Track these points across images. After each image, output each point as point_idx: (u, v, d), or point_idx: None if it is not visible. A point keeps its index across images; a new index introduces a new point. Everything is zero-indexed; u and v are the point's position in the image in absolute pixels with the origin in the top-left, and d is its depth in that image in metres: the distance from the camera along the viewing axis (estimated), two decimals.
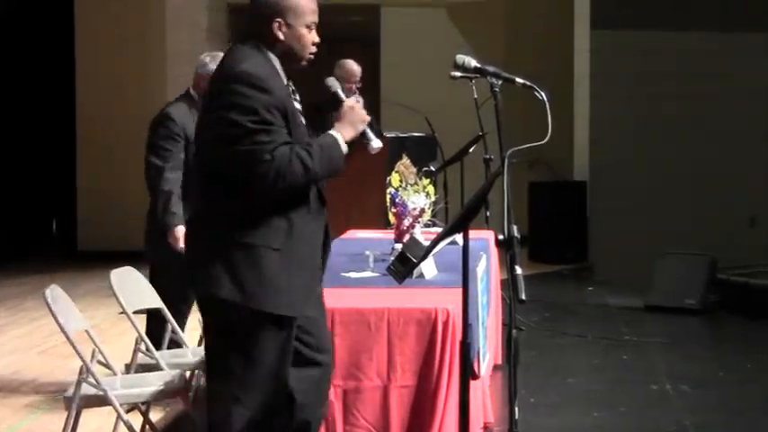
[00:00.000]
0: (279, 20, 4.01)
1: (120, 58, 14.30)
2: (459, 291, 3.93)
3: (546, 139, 3.88)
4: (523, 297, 3.51)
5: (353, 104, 4.14)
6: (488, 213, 8.28)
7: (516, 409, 3.73)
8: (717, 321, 10.16)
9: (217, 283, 3.90)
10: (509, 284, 3.60)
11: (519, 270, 3.55)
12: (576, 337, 9.05)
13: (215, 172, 3.95)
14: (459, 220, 3.84)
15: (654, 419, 6.58)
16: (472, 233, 3.90)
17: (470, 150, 8.80)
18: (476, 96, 8.53)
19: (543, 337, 9.04)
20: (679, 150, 14.35)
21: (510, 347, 3.73)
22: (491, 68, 3.96)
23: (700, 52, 14.30)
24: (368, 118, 4.15)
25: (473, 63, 4.04)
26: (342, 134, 4.05)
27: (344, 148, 4.04)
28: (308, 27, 4.05)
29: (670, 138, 14.34)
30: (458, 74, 4.51)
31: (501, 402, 6.27)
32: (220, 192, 3.95)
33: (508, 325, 3.82)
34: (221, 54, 6.71)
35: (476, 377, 4.53)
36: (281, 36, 4.02)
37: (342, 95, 4.24)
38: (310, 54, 4.09)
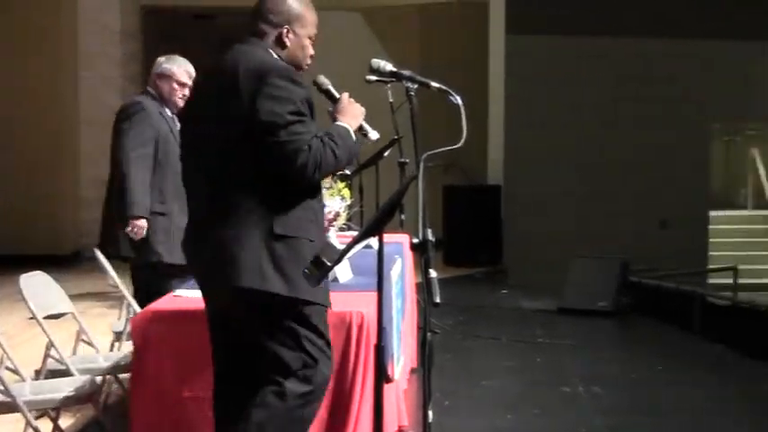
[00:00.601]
0: (287, 27, 4.24)
1: (31, 59, 14.11)
2: (374, 294, 3.92)
3: (461, 143, 3.89)
4: (438, 300, 3.51)
5: (350, 98, 4.34)
6: (403, 217, 8.28)
7: (430, 412, 3.72)
8: (629, 323, 10.27)
9: (263, 277, 3.98)
10: (424, 288, 3.60)
11: (433, 273, 3.55)
12: (490, 339, 9.09)
13: (246, 166, 4.01)
14: (373, 223, 3.83)
15: (566, 421, 6.62)
16: (387, 237, 3.89)
17: (386, 154, 8.78)
18: (391, 100, 8.53)
19: (457, 339, 9.07)
20: (592, 154, 14.51)
21: (424, 350, 3.73)
22: (406, 72, 3.96)
23: (615, 57, 14.47)
24: (364, 110, 4.33)
25: (388, 67, 4.04)
26: (350, 125, 4.24)
27: (354, 137, 4.22)
28: (310, 38, 4.32)
29: (584, 142, 14.48)
30: (373, 78, 4.50)
31: (415, 405, 6.27)
32: (256, 187, 4.02)
33: (423, 328, 3.81)
34: (177, 56, 6.77)
35: (390, 380, 4.52)
36: (288, 43, 4.25)
37: (334, 91, 4.40)
38: (307, 63, 4.33)
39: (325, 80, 4.47)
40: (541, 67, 14.27)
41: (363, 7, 14.94)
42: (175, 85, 6.63)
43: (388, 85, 7.64)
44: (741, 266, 15.96)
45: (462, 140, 3.89)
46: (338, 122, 4.22)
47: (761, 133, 21.70)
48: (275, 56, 4.20)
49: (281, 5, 4.27)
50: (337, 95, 4.39)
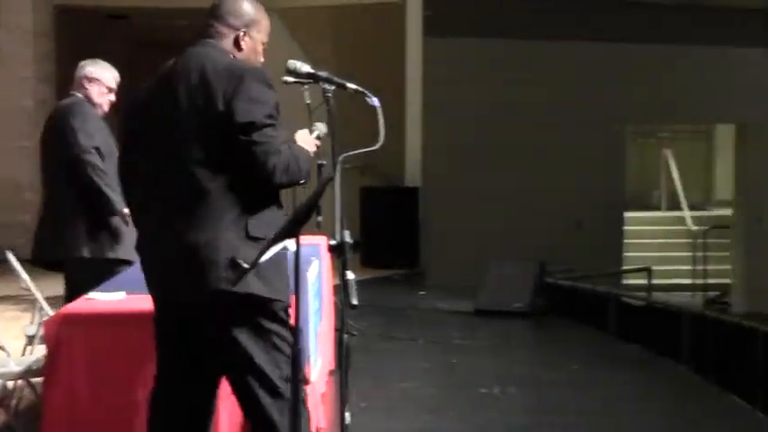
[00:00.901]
0: (244, 30, 4.28)
1: None
2: (291, 296, 3.93)
3: (378, 145, 3.89)
4: (355, 302, 3.51)
5: (313, 139, 4.37)
6: (320, 219, 8.24)
7: (347, 414, 3.72)
8: (545, 324, 10.34)
9: (244, 280, 3.93)
10: (341, 289, 3.60)
11: (351, 275, 3.55)
12: (408, 341, 9.11)
13: (219, 168, 3.98)
14: (290, 225, 3.82)
15: (483, 422, 6.65)
16: (304, 239, 3.88)
17: None
18: (308, 101, 8.51)
19: (375, 341, 9.07)
20: (509, 156, 14.60)
21: (341, 352, 3.73)
22: (323, 74, 3.95)
23: (532, 60, 14.57)
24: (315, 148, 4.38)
25: (305, 68, 4.02)
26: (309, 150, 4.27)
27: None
28: (263, 44, 4.36)
29: (500, 144, 14.57)
30: (290, 79, 4.47)
31: (333, 407, 6.26)
32: (226, 188, 4.00)
33: (340, 330, 3.81)
34: (101, 61, 6.76)
35: (307, 382, 4.50)
36: (244, 46, 4.28)
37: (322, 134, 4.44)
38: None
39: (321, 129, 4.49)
40: (458, 70, 14.32)
41: (280, 8, 14.88)
42: (104, 89, 6.63)
43: (305, 87, 7.61)
44: (655, 267, 16.18)
45: (380, 142, 3.89)
46: (299, 144, 4.23)
47: (674, 135, 22.02)
48: (229, 55, 4.22)
49: (240, 9, 4.31)
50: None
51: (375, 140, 3.87)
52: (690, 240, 18.59)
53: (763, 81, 16.55)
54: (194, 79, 4.06)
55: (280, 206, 4.16)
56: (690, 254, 18.37)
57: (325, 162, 8.66)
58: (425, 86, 13.98)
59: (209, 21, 4.30)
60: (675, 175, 20.62)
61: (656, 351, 9.33)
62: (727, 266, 17.36)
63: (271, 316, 4.05)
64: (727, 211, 18.40)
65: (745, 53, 16.40)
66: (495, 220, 14.23)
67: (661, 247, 18.91)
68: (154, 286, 4.20)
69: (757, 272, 16.57)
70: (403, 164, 14.09)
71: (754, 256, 16.68)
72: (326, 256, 7.19)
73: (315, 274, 6.32)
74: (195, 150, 4.02)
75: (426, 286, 12.44)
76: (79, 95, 6.69)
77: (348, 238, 3.62)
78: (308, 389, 5.26)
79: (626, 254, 16.14)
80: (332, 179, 3.75)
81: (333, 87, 3.95)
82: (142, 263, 4.22)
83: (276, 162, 3.96)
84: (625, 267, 15.96)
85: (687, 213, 19.62)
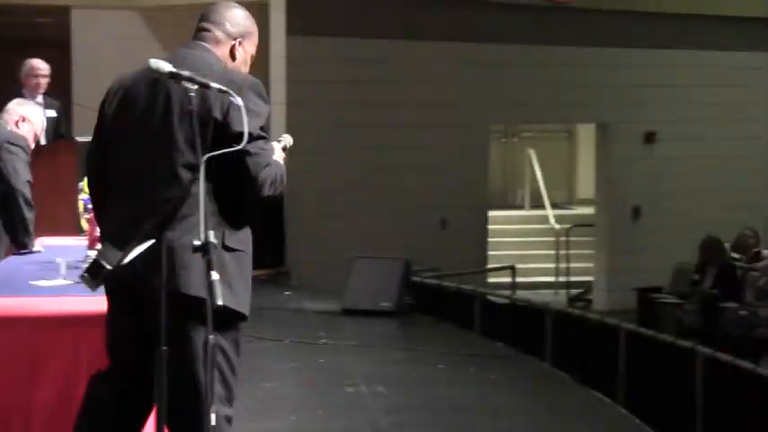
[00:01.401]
0: (240, 40, 4.27)
1: None
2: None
3: (242, 145, 3.87)
4: (220, 302, 3.50)
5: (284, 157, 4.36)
6: None
7: (212, 414, 3.69)
8: (411, 323, 10.40)
9: (215, 290, 3.74)
10: (206, 290, 3.57)
11: (215, 275, 3.53)
12: (273, 341, 9.07)
13: (206, 173, 3.81)
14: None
15: (350, 421, 6.67)
16: None
17: None
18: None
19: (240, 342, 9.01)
20: (375, 155, 14.64)
21: (206, 353, 3.70)
22: (186, 73, 3.91)
23: (398, 60, 14.62)
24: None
25: (168, 67, 3.97)
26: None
27: None
28: (252, 56, 4.37)
29: (366, 143, 14.60)
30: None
31: None
32: (210, 196, 3.93)
33: (205, 330, 3.77)
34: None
35: None
36: (237, 56, 4.28)
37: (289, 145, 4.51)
38: None
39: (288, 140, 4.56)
40: (323, 69, 14.31)
41: (141, 6, 14.73)
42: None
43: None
44: (519, 265, 16.38)
45: (244, 142, 3.88)
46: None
47: (538, 135, 22.30)
48: (218, 63, 4.19)
49: (239, 18, 4.30)
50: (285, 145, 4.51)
51: (239, 140, 3.86)
52: (553, 239, 18.87)
53: (622, 81, 16.89)
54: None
55: (254, 219, 4.17)
56: (553, 252, 18.64)
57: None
58: (289, 86, 13.94)
59: (205, 24, 4.26)
60: (538, 174, 20.89)
61: (520, 348, 9.45)
62: (590, 264, 17.67)
63: (226, 329, 4.07)
64: (589, 210, 18.72)
65: (605, 53, 16.72)
66: (361, 219, 14.26)
67: (525, 246, 19.14)
68: (121, 277, 4.02)
69: (618, 270, 16.90)
70: None
71: (614, 254, 17.02)
72: None
73: None
74: (184, 154, 3.99)
75: (292, 286, 12.42)
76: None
77: (212, 239, 3.60)
78: None
79: (490, 252, 16.30)
80: (196, 179, 3.72)
81: (195, 87, 3.91)
82: (113, 247, 4.06)
83: (266, 176, 4.00)
84: (490, 266, 16.12)
85: (550, 212, 19.90)
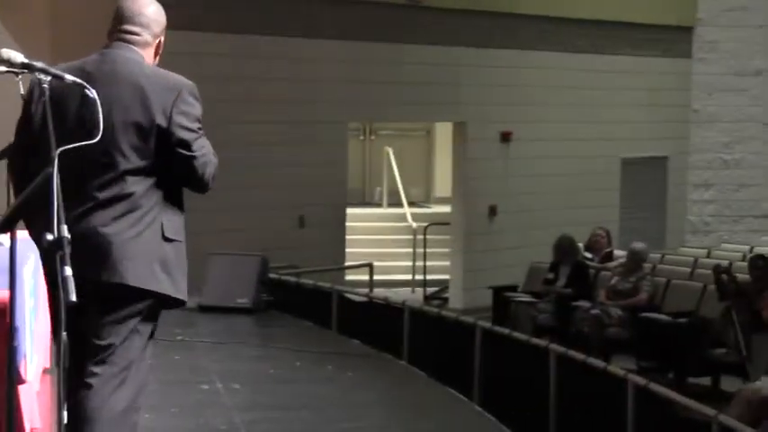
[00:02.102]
0: (161, 38, 4.46)
1: None
2: (6, 293, 3.80)
3: (97, 138, 3.82)
4: (73, 298, 3.43)
5: None
6: None
7: (65, 413, 3.63)
8: (268, 320, 10.37)
9: (156, 279, 4.19)
10: (59, 286, 3.50)
11: (68, 271, 3.46)
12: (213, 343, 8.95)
13: (146, 173, 4.18)
14: (5, 221, 3.70)
15: (205, 419, 6.62)
16: (20, 234, 3.76)
17: None
18: (22, 92, 8.26)
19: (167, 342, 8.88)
20: (233, 151, 14.52)
21: (59, 351, 3.63)
22: (39, 64, 3.82)
23: (262, 56, 14.52)
24: None
25: (20, 58, 3.88)
26: None
27: None
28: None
29: (226, 139, 14.47)
30: (3, 68, 4.33)
31: (49, 407, 6.09)
32: (149, 190, 4.21)
33: (58, 328, 3.70)
34: None
35: (22, 381, 4.37)
36: (160, 50, 4.47)
37: None
38: None
39: None
40: (190, 64, 14.13)
41: None
42: None
43: (19, 77, 7.40)
44: (377, 263, 16.44)
45: (99, 135, 3.82)
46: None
47: (396, 133, 22.43)
48: (149, 65, 4.36)
49: (160, 17, 4.44)
50: None
51: (94, 134, 3.80)
52: (410, 237, 18.99)
53: (479, 80, 17.08)
54: (126, 85, 4.22)
55: (183, 208, 4.40)
56: (410, 250, 18.75)
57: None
58: None
59: (130, 27, 4.36)
60: (396, 172, 21.01)
61: (377, 346, 9.49)
62: (446, 263, 17.82)
63: (157, 317, 4.34)
64: (446, 209, 18.89)
65: (463, 52, 16.88)
66: (218, 215, 14.14)
67: (382, 244, 19.22)
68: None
69: (474, 268, 17.08)
70: None
71: (470, 253, 17.19)
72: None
73: (31, 270, 6.14)
74: (126, 154, 4.18)
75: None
76: None
77: (65, 234, 3.53)
78: (24, 388, 5.10)
79: (348, 250, 16.33)
80: (50, 174, 3.65)
81: (49, 78, 3.84)
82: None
83: (211, 171, 4.30)
84: (347, 263, 16.15)
85: (407, 210, 20.02)
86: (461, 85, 16.90)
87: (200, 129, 4.29)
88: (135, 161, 4.19)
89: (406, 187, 20.79)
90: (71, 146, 3.76)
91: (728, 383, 11.74)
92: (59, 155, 3.89)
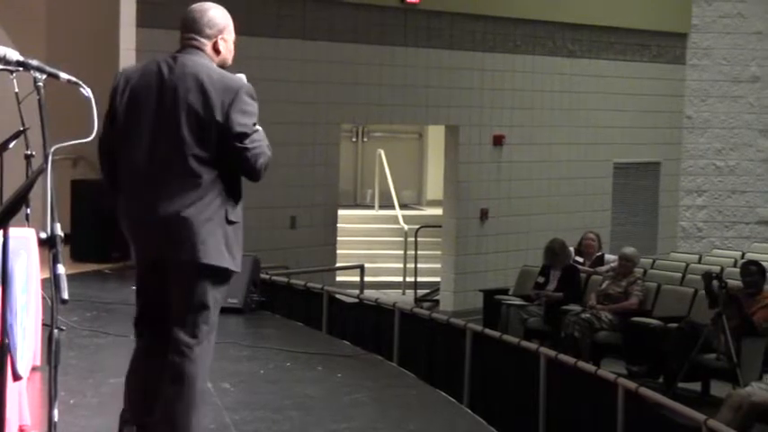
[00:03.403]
0: (220, 36, 5.13)
1: None
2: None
3: (92, 137, 3.83)
4: (66, 297, 3.44)
5: None
6: (29, 211, 8.01)
7: (56, 410, 3.63)
8: (259, 320, 10.36)
9: (222, 257, 4.94)
10: (50, 284, 3.50)
11: (61, 269, 3.47)
12: (119, 337, 8.93)
13: (212, 165, 4.89)
14: None
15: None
16: (12, 231, 3.76)
17: (10, 146, 8.50)
18: (17, 90, 8.25)
19: (84, 336, 8.88)
20: None
21: (51, 348, 3.64)
22: (34, 62, 3.83)
23: (251, 57, 14.47)
24: None
25: (15, 56, 3.89)
26: None
27: None
28: (234, 41, 5.23)
29: None
30: None
31: (39, 404, 6.10)
32: (217, 180, 4.91)
33: (48, 325, 3.71)
34: None
35: (18, 378, 4.39)
36: (221, 49, 5.14)
37: None
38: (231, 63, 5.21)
39: None
40: None
41: None
42: None
43: (13, 75, 7.41)
44: (368, 265, 16.44)
45: (93, 134, 3.83)
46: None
47: (388, 135, 22.44)
48: (213, 61, 5.06)
49: (213, 19, 5.12)
50: None
51: (87, 132, 3.80)
52: (401, 239, 18.99)
53: (472, 84, 17.09)
54: (191, 85, 4.91)
55: (242, 194, 5.05)
56: (401, 252, 18.76)
57: (34, 153, 8.44)
58: None
59: (188, 34, 5.08)
60: (388, 174, 21.01)
61: (367, 347, 9.49)
62: (437, 265, 17.83)
63: (225, 288, 5.07)
64: (438, 211, 18.89)
65: (456, 56, 16.89)
66: None
67: (373, 246, 19.24)
68: (143, 248, 5.16)
69: (465, 271, 17.09)
70: None
71: (462, 256, 17.20)
72: (35, 250, 7.00)
73: (23, 268, 6.14)
74: (192, 146, 4.87)
75: None
76: None
77: (59, 231, 3.53)
78: (15, 385, 5.11)
79: (339, 251, 16.33)
80: (43, 171, 3.67)
81: (44, 76, 3.86)
82: (130, 228, 5.17)
83: (263, 162, 4.95)
84: (338, 265, 16.15)
85: (399, 212, 20.03)
86: (454, 88, 16.91)
87: (255, 124, 4.93)
88: (200, 153, 4.86)
89: (397, 189, 20.79)
90: (66, 143, 3.82)
91: (718, 389, 11.76)
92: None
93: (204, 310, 5.00)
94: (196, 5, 5.16)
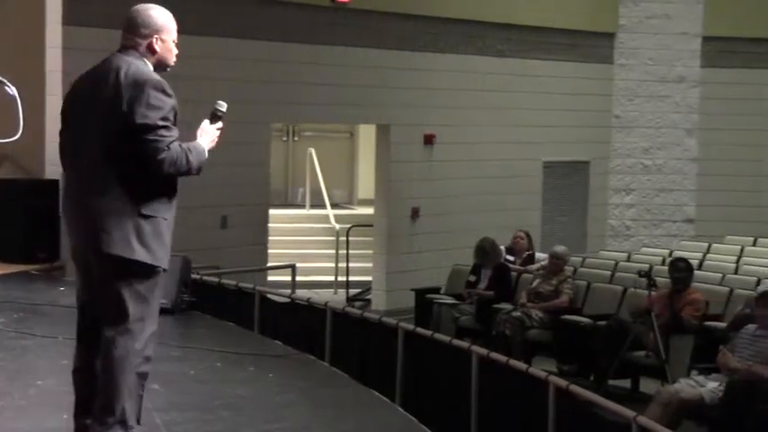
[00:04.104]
0: (156, 36, 5.26)
1: None
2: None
3: (18, 136, 3.77)
4: None
5: (215, 129, 5.54)
6: None
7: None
8: (189, 321, 10.30)
9: (129, 248, 5.06)
10: None
11: None
12: (46, 338, 8.83)
13: (123, 158, 5.02)
14: None
15: None
16: None
17: None
18: None
19: (11, 338, 8.76)
20: None
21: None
22: None
23: (202, 57, 14.39)
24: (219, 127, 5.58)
25: None
26: (205, 146, 5.39)
27: (206, 154, 5.35)
28: (174, 42, 5.34)
29: None
30: None
31: None
32: (129, 174, 5.03)
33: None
34: None
35: None
36: (157, 49, 5.27)
37: (221, 112, 5.62)
38: (173, 62, 5.37)
39: (223, 105, 5.62)
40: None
41: None
42: None
43: None
44: (299, 264, 16.38)
45: (19, 133, 3.77)
46: (199, 140, 5.35)
47: (319, 134, 22.42)
48: (147, 62, 5.22)
49: (148, 19, 5.28)
50: (220, 119, 5.63)
51: (13, 131, 3.74)
52: (333, 238, 18.97)
53: (402, 83, 17.10)
54: (111, 80, 5.09)
55: (172, 191, 5.19)
56: (333, 251, 18.73)
57: None
58: (65, 77, 13.54)
59: (125, 34, 5.27)
60: (319, 173, 20.98)
61: (299, 347, 9.45)
62: (369, 264, 17.82)
63: (148, 282, 5.18)
64: (369, 210, 18.89)
65: (387, 55, 16.89)
66: None
67: (305, 245, 19.20)
68: (71, 241, 5.32)
69: (397, 270, 17.10)
70: (42, 155, 13.63)
71: (393, 255, 17.21)
72: None
73: None
74: (106, 140, 5.05)
75: (67, 282, 12.10)
76: None
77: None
78: None
79: (271, 251, 16.26)
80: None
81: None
82: (64, 215, 5.34)
83: (165, 156, 5.00)
84: (270, 264, 16.08)
85: (330, 212, 20.00)
86: (385, 87, 16.91)
87: (162, 119, 5.02)
88: (113, 147, 5.02)
89: (329, 189, 20.78)
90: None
91: (648, 386, 11.86)
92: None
93: (119, 301, 5.12)
94: (139, 6, 5.35)
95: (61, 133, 5.35)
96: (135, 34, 5.27)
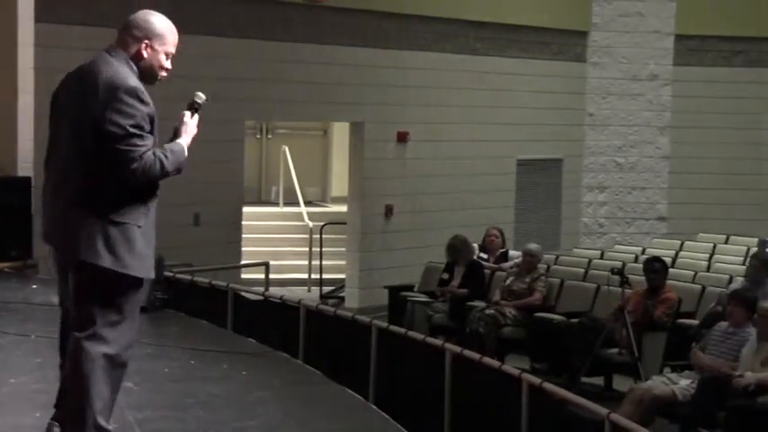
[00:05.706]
0: (147, 42, 5.11)
1: None
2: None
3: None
4: None
5: (196, 122, 5.44)
6: None
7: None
8: (162, 319, 10.27)
9: (97, 255, 4.90)
10: None
11: None
12: (19, 336, 8.79)
13: (95, 161, 4.88)
14: None
15: None
16: None
17: None
18: None
19: None
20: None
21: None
22: None
23: (176, 54, 14.35)
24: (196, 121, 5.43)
25: None
26: (186, 143, 5.25)
27: (186, 153, 5.20)
28: (167, 55, 5.22)
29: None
30: None
31: None
32: (99, 179, 4.90)
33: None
34: None
35: None
36: (145, 55, 5.11)
37: (198, 105, 5.56)
38: (162, 75, 5.26)
39: (202, 97, 5.59)
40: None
41: None
42: None
43: None
44: (273, 262, 16.36)
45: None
46: (177, 140, 5.21)
47: (293, 132, 22.39)
48: (133, 66, 5.06)
49: (144, 23, 5.14)
50: (196, 113, 5.54)
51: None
52: (306, 236, 18.96)
53: (376, 81, 17.10)
54: (90, 81, 4.97)
55: (148, 196, 5.06)
56: (306, 249, 18.72)
57: None
58: (38, 74, 13.48)
59: (119, 31, 5.13)
60: (293, 171, 20.96)
61: (273, 345, 9.44)
62: (342, 262, 17.81)
63: (118, 289, 5.01)
64: (343, 208, 18.88)
65: (360, 53, 16.89)
66: None
67: (279, 243, 19.17)
68: (47, 236, 5.20)
69: (370, 268, 17.10)
70: (14, 152, 13.57)
71: (367, 253, 17.21)
72: None
73: None
74: (79, 140, 4.94)
75: (40, 280, 12.06)
76: None
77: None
78: None
79: (244, 248, 16.23)
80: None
81: None
82: (43, 217, 5.22)
83: (136, 167, 4.85)
84: (243, 262, 16.06)
85: (304, 209, 19.99)
86: (359, 85, 16.91)
87: (133, 126, 4.85)
88: (85, 151, 4.89)
89: (302, 186, 20.76)
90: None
91: (621, 383, 11.90)
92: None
93: (87, 306, 5.02)
94: (145, 9, 5.29)
95: (49, 134, 5.30)
96: (127, 34, 5.14)
